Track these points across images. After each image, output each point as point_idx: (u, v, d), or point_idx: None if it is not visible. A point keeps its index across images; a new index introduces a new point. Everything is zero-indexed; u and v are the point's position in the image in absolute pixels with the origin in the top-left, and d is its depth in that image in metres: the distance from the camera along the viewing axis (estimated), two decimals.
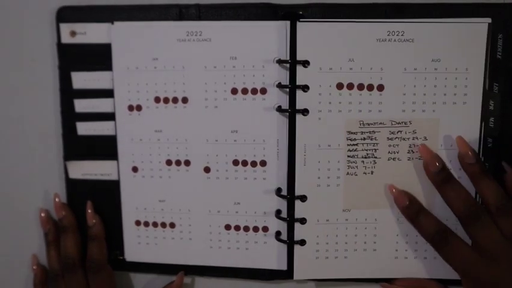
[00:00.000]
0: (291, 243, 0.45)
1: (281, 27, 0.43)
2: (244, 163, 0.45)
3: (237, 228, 0.46)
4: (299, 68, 0.43)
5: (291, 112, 0.44)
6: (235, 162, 0.45)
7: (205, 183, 0.46)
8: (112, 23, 0.45)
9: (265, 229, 0.46)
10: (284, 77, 0.44)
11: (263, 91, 0.44)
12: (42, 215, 0.48)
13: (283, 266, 0.46)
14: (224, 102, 0.45)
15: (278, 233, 0.46)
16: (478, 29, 0.42)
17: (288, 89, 0.43)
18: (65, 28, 0.46)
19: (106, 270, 0.47)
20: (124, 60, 0.45)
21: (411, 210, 0.43)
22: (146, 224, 0.47)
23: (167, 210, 0.47)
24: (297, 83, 0.43)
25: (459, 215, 0.41)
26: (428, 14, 0.42)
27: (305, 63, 0.43)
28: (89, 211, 0.47)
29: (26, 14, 0.47)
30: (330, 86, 0.43)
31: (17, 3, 0.47)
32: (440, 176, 0.42)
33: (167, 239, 0.47)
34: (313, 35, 0.42)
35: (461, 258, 0.40)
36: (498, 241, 0.39)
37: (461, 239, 0.41)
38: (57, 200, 0.48)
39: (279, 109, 0.44)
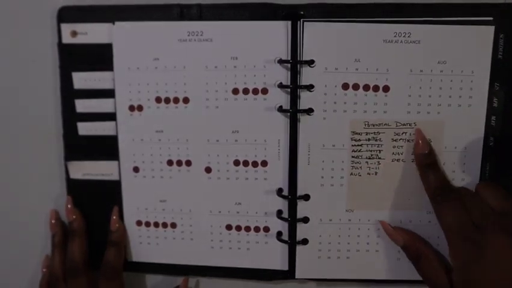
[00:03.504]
0: (292, 243, 0.45)
1: (282, 27, 0.43)
2: (246, 163, 0.45)
3: (238, 228, 0.46)
4: (304, 68, 0.43)
5: (292, 112, 0.43)
6: (236, 163, 0.45)
7: (206, 184, 0.46)
8: (113, 23, 0.45)
9: (266, 229, 0.46)
10: (285, 77, 0.43)
11: (264, 91, 0.44)
12: (53, 220, 0.48)
13: (285, 266, 0.46)
14: (225, 102, 0.45)
15: (279, 233, 0.46)
16: (484, 31, 0.42)
17: (289, 89, 0.43)
18: (66, 28, 0.46)
19: (120, 278, 0.46)
20: (125, 60, 0.45)
21: (427, 159, 0.42)
22: (148, 224, 0.47)
23: (169, 210, 0.47)
24: (302, 82, 0.43)
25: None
26: (428, 13, 0.42)
27: (310, 63, 0.42)
28: (114, 217, 0.47)
29: (27, 14, 0.47)
30: (335, 86, 0.43)
31: (17, 3, 0.47)
32: (426, 160, 0.42)
33: (169, 239, 0.47)
34: (319, 34, 0.42)
35: (454, 215, 0.40)
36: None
37: (461, 200, 0.41)
38: (69, 205, 0.47)
39: (280, 109, 0.44)
